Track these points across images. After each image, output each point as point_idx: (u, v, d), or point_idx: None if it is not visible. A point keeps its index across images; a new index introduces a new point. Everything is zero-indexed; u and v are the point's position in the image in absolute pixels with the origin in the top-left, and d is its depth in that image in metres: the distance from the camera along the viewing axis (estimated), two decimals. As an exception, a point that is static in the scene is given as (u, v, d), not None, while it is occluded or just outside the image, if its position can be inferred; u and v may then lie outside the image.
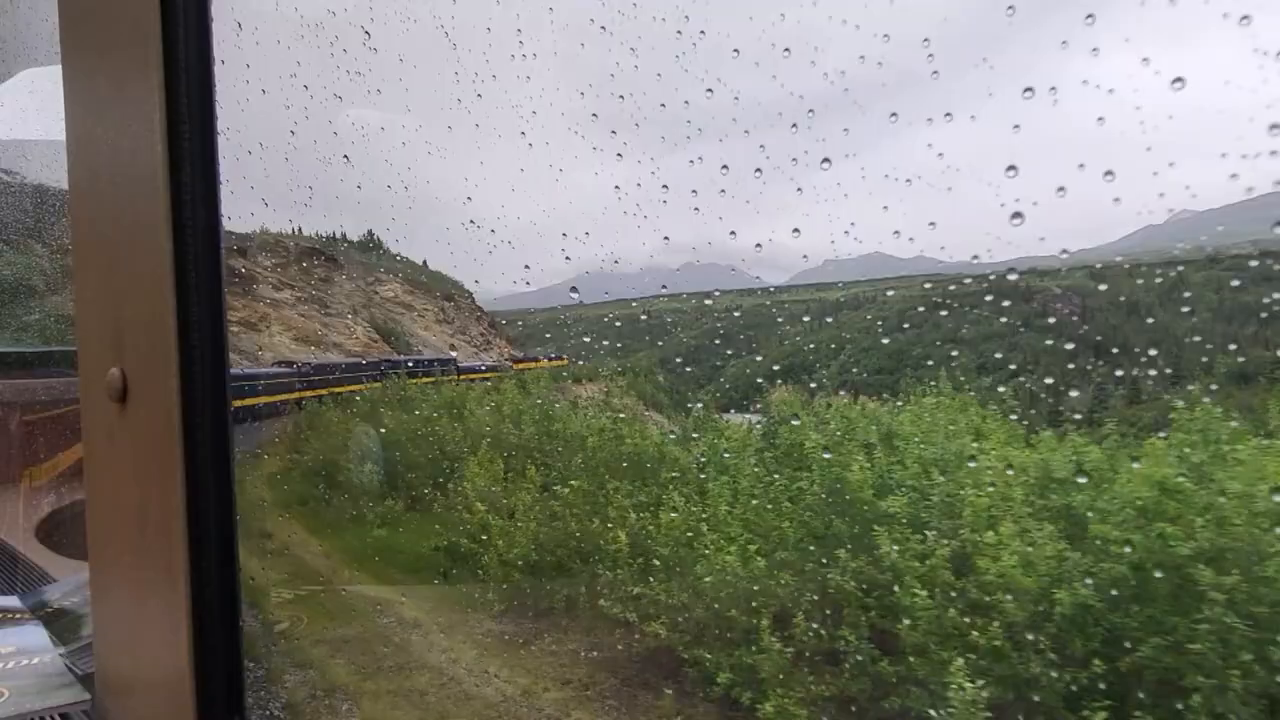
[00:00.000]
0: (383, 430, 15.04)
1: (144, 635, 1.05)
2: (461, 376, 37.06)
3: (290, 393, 29.40)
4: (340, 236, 36.77)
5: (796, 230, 7.90)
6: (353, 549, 11.69)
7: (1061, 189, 5.42)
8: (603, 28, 7.93)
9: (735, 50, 7.85)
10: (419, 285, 44.96)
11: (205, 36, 0.93)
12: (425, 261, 43.12)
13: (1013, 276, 11.89)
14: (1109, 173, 5.24)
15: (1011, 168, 5.35)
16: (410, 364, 37.58)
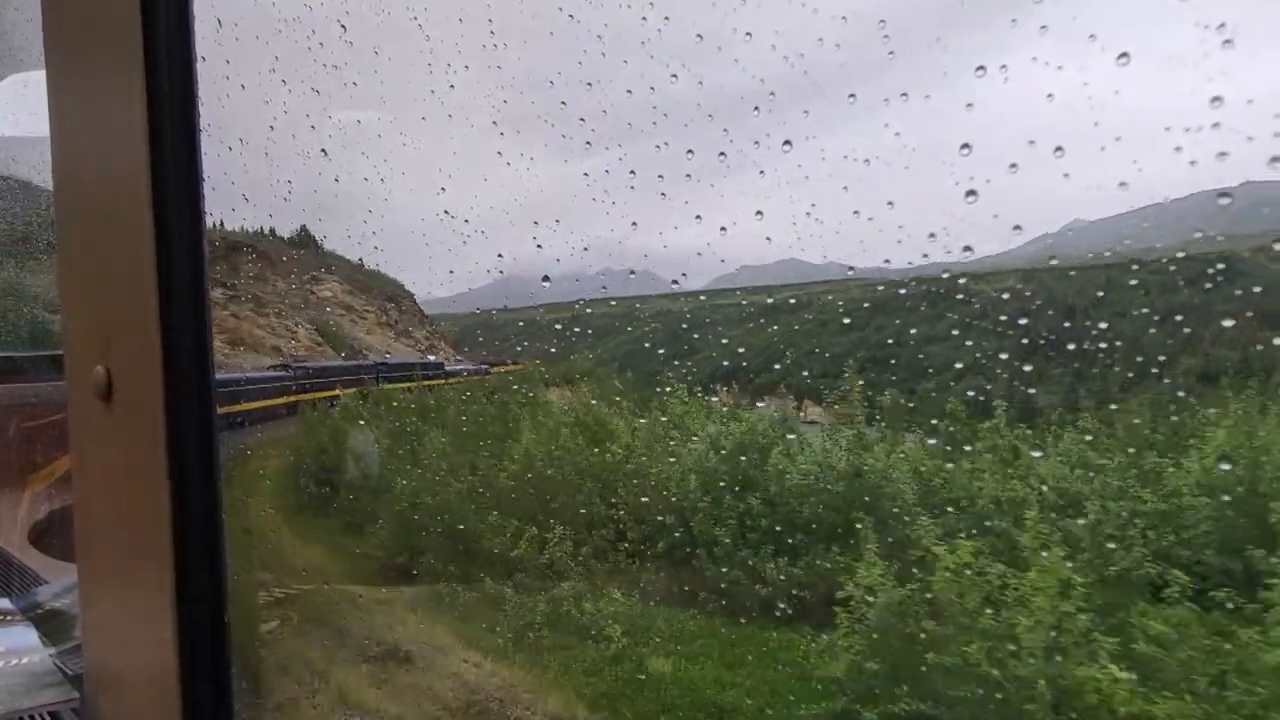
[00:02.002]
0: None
1: (131, 633, 1.05)
2: (448, 380, 37.05)
3: (286, 396, 29.34)
4: (269, 232, 35.79)
5: (760, 213, 7.97)
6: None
7: (1014, 165, 5.47)
8: (571, 16, 7.97)
9: (699, 35, 7.89)
10: (358, 285, 43.99)
11: (186, 33, 0.93)
12: (362, 260, 42.31)
13: (945, 275, 11.89)
14: (1059, 149, 5.31)
15: (965, 146, 5.40)
16: (400, 367, 37.54)
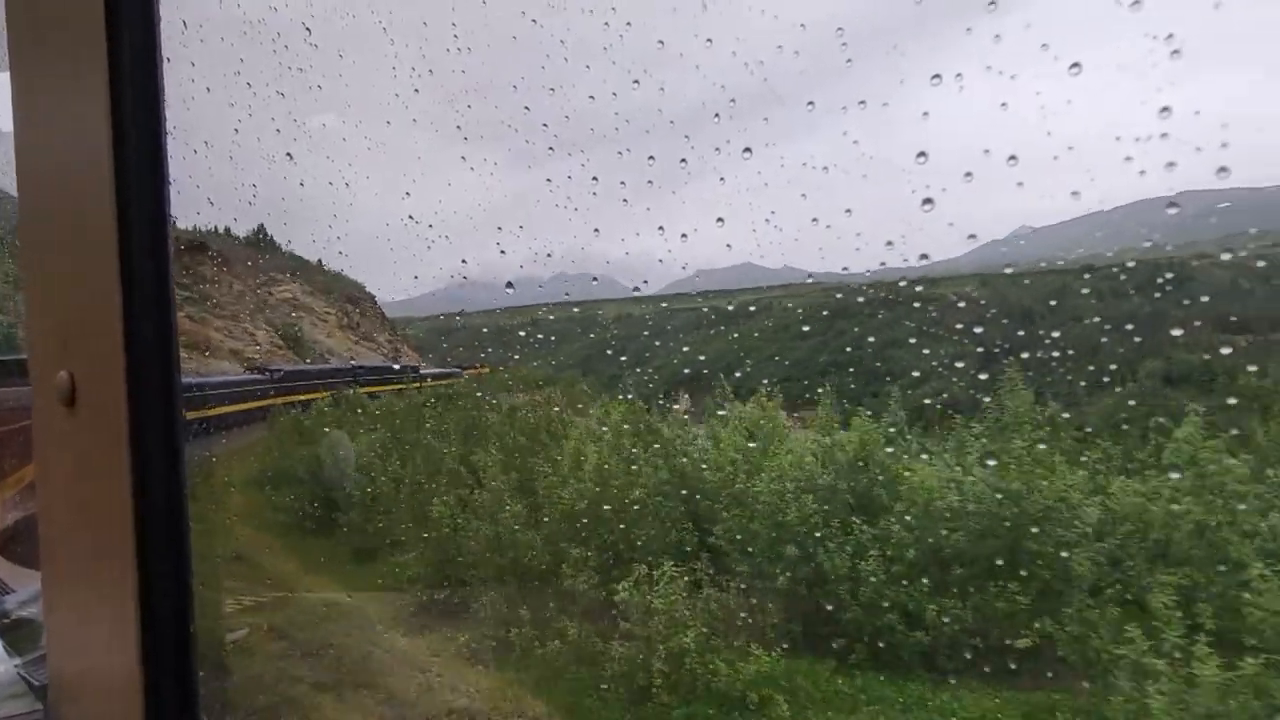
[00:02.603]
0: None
1: (94, 640, 1.04)
2: (424, 384, 36.77)
3: (264, 400, 28.86)
4: (225, 231, 35.00)
5: (720, 219, 8.06)
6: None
7: (969, 174, 5.58)
8: (534, 20, 7.97)
9: (660, 42, 7.93)
10: (319, 287, 43.32)
11: (152, 35, 0.92)
12: (321, 262, 41.57)
13: (903, 283, 12.03)
14: (1012, 157, 5.43)
15: (921, 154, 5.49)
16: (376, 370, 37.16)
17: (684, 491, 9.59)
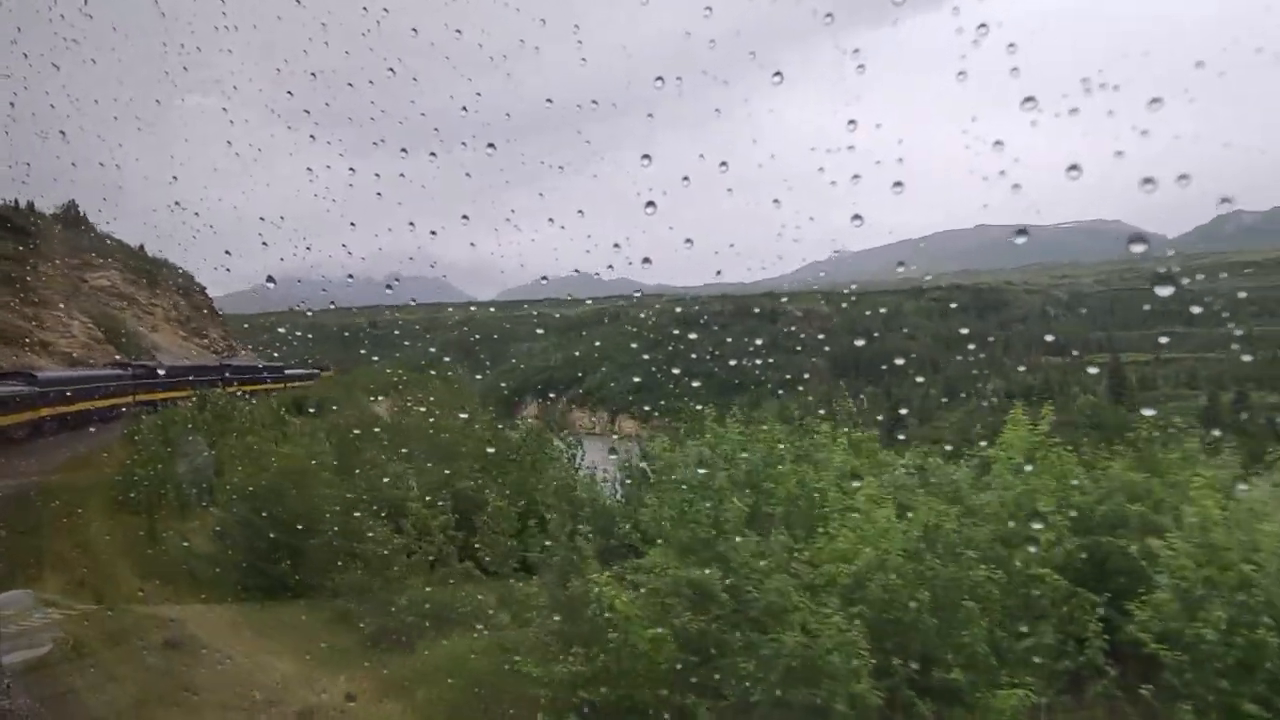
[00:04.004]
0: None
1: None
2: (288, 384, 35.27)
3: (125, 396, 26.84)
4: (29, 207, 32.08)
5: (559, 224, 8.43)
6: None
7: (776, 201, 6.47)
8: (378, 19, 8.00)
9: (508, 47, 8.53)
10: (143, 274, 40.19)
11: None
12: (144, 246, 38.99)
13: (741, 295, 13.17)
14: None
15: (761, 164, 6.58)
16: (243, 370, 35.23)
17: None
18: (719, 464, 8.23)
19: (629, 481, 12.84)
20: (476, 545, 11.77)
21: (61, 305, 31.33)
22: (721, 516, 7.36)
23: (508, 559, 11.27)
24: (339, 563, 11.60)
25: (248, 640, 10.74)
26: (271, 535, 12.33)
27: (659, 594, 7.09)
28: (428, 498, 12.25)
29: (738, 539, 7.16)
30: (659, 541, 7.96)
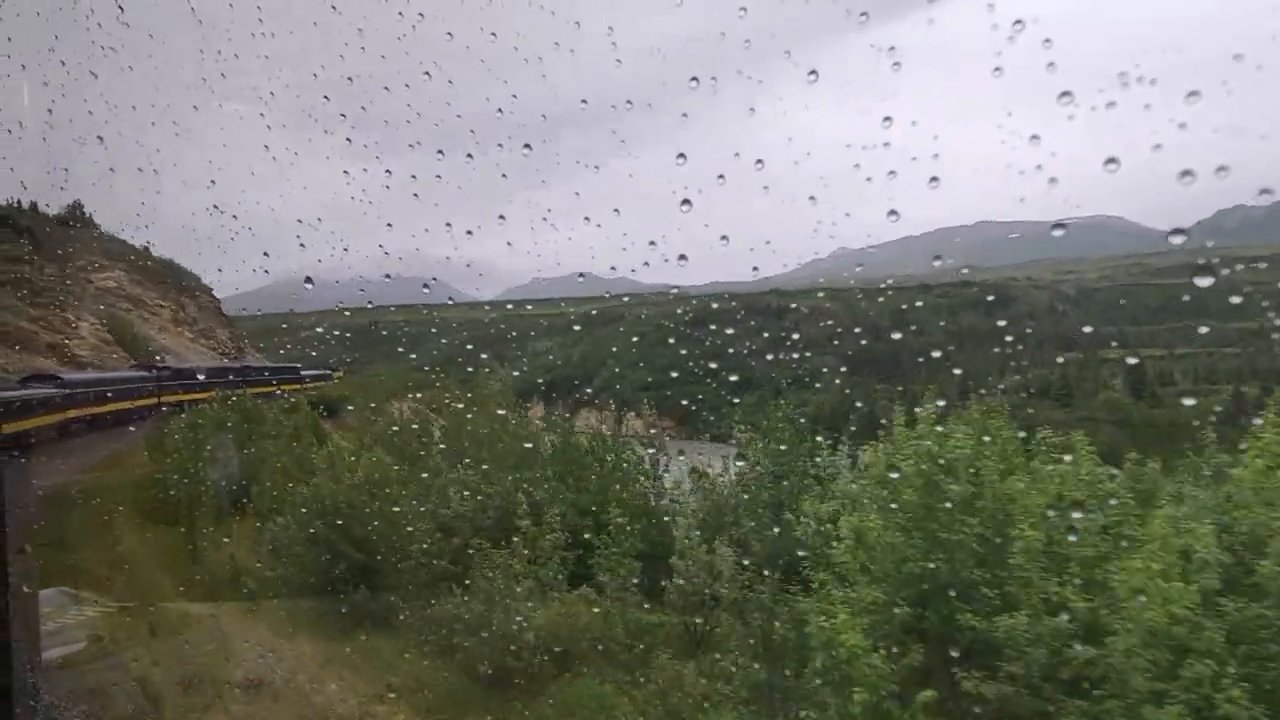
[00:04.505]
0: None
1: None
2: (304, 385, 35.34)
3: (149, 398, 27.12)
4: (31, 207, 32.02)
5: (553, 224, 8.37)
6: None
7: (813, 198, 6.44)
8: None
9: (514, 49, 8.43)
10: (148, 275, 40.04)
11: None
12: (149, 247, 38.88)
13: (742, 294, 13.02)
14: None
15: (759, 160, 6.42)
16: (260, 371, 35.36)
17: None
18: (963, 482, 6.98)
19: (746, 495, 12.06)
20: (590, 564, 10.80)
21: (69, 307, 31.24)
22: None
23: (628, 582, 10.20)
24: (433, 587, 10.55)
25: (341, 678, 9.81)
26: (343, 552, 11.29)
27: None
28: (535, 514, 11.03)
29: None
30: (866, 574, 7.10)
